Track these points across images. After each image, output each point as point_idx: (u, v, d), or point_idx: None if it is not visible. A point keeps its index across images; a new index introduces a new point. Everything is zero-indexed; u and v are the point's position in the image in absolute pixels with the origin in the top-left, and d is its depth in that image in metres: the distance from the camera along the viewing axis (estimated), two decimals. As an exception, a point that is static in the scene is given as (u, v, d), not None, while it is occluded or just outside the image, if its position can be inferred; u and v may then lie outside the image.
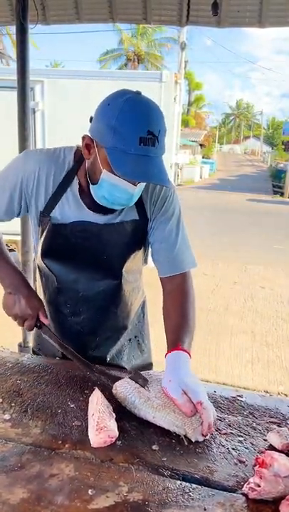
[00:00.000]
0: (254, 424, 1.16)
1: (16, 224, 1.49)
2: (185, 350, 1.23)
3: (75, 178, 1.35)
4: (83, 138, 1.25)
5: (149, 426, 1.10)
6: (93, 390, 1.21)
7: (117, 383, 1.21)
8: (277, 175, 26.83)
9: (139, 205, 1.39)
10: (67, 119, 5.49)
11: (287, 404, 1.28)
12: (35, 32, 3.09)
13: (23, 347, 3.42)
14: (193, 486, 0.92)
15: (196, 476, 0.95)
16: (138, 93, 1.18)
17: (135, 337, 1.64)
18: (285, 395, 3.68)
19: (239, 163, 48.62)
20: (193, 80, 52.51)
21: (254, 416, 1.21)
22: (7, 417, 1.12)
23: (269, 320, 5.41)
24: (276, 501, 0.88)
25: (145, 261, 1.57)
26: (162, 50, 36.19)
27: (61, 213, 1.36)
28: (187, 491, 0.91)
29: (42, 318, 1.36)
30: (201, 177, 28.92)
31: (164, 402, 1.13)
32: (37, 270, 1.53)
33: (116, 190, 1.22)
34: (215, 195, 19.37)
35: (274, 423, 1.18)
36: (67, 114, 5.56)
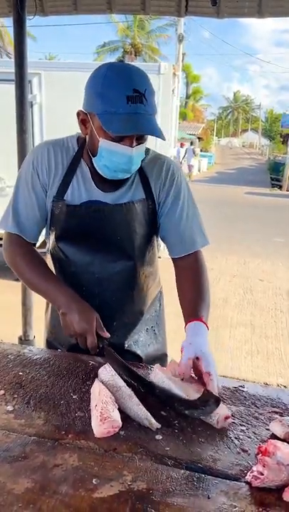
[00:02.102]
0: (256, 414, 1.17)
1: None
2: (205, 323, 1.28)
3: (82, 160, 1.39)
4: (78, 114, 1.30)
5: (152, 416, 1.10)
6: (94, 380, 1.21)
7: (99, 371, 1.24)
8: (275, 168, 26.73)
9: (145, 184, 1.42)
10: (65, 111, 5.41)
11: (289, 394, 1.29)
12: (31, 24, 3.06)
13: (23, 340, 3.43)
14: (197, 474, 0.93)
15: (199, 465, 0.96)
16: (120, 60, 1.23)
17: (152, 327, 1.66)
18: (285, 386, 3.70)
19: (237, 157, 48.56)
20: (191, 72, 52.26)
21: (256, 406, 1.21)
22: (10, 408, 1.12)
23: (268, 312, 5.42)
24: (279, 489, 0.89)
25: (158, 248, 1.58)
26: (159, 41, 35.99)
27: (72, 195, 1.39)
28: (191, 479, 0.91)
29: (100, 332, 1.29)
30: (199, 170, 28.86)
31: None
32: (49, 259, 1.53)
33: (114, 155, 1.25)
34: (213, 189, 19.33)
35: (276, 413, 1.18)
36: (65, 106, 5.47)
